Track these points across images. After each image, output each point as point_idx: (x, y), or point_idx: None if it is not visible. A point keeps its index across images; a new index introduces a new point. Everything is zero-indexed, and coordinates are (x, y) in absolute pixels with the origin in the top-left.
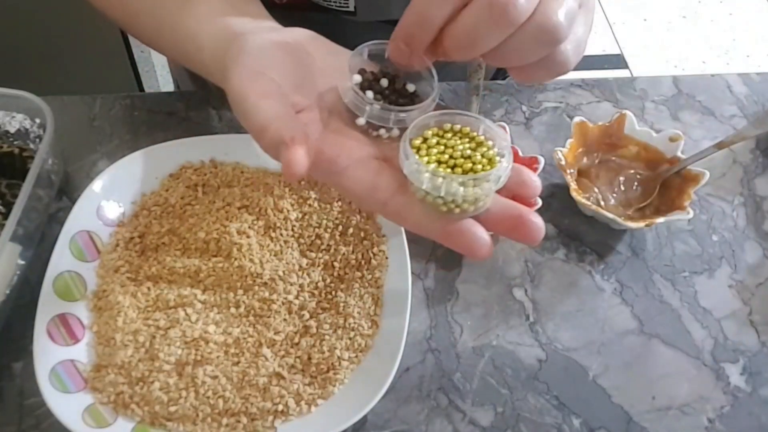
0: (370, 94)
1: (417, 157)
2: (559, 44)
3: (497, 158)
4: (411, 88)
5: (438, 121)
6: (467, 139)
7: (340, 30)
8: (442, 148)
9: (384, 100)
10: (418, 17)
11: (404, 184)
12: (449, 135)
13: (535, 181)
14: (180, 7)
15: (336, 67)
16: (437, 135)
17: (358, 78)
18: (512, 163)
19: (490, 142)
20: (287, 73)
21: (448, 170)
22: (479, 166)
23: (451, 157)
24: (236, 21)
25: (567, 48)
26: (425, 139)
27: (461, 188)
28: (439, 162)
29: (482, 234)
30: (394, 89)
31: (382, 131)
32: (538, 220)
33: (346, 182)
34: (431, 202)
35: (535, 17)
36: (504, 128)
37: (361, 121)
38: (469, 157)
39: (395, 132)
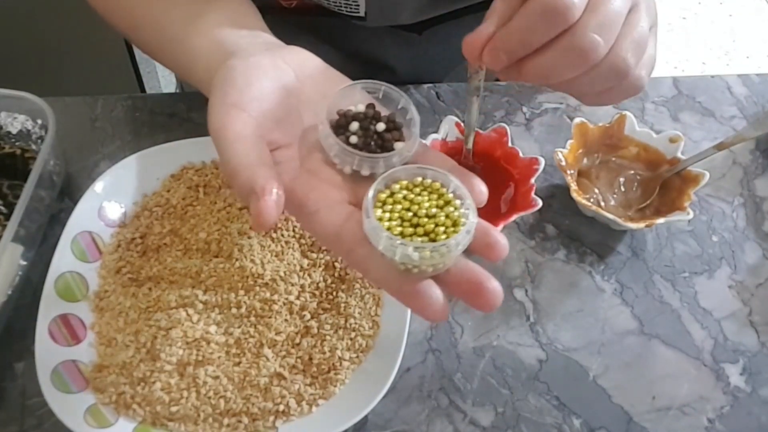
0: (354, 126)
1: (376, 215)
2: (627, 78)
3: (462, 220)
4: (392, 135)
5: (409, 174)
6: (436, 196)
7: (351, 35)
8: (408, 204)
9: (363, 140)
10: (520, 38)
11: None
12: (418, 189)
13: (502, 243)
14: (183, 22)
15: (325, 94)
16: (406, 188)
17: (330, 119)
18: (474, 227)
19: (458, 201)
20: (270, 107)
21: (410, 229)
22: (441, 228)
23: (415, 214)
24: (231, 38)
25: (639, 73)
26: (392, 193)
27: (416, 254)
28: (402, 219)
29: (438, 296)
30: (375, 131)
31: (362, 172)
32: (496, 286)
33: (314, 226)
34: (389, 260)
35: (609, 56)
36: (504, 130)
37: (337, 161)
38: (434, 215)
39: (366, 173)
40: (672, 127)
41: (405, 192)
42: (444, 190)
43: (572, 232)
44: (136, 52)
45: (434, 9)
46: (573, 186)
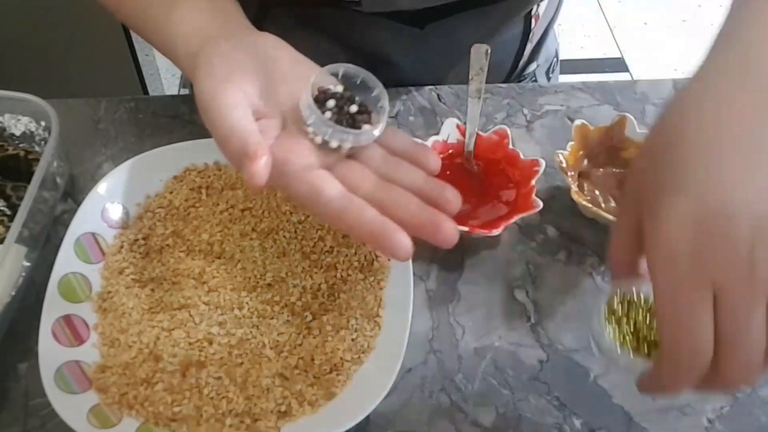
0: (331, 103)
1: (611, 335)
2: None
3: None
4: (362, 117)
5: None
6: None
7: (352, 28)
8: (626, 318)
9: (336, 117)
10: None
11: (343, 192)
12: (635, 307)
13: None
14: (163, 3)
15: (298, 75)
16: (621, 303)
17: (314, 92)
18: None
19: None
20: (253, 80)
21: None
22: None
23: (634, 323)
24: (210, 22)
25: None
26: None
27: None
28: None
29: (405, 238)
30: (348, 111)
31: (331, 143)
32: (452, 225)
33: (292, 183)
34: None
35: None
36: (505, 132)
37: (310, 130)
38: (650, 325)
39: (334, 144)
40: None
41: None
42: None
43: (573, 234)
44: (139, 54)
45: None
46: (574, 187)
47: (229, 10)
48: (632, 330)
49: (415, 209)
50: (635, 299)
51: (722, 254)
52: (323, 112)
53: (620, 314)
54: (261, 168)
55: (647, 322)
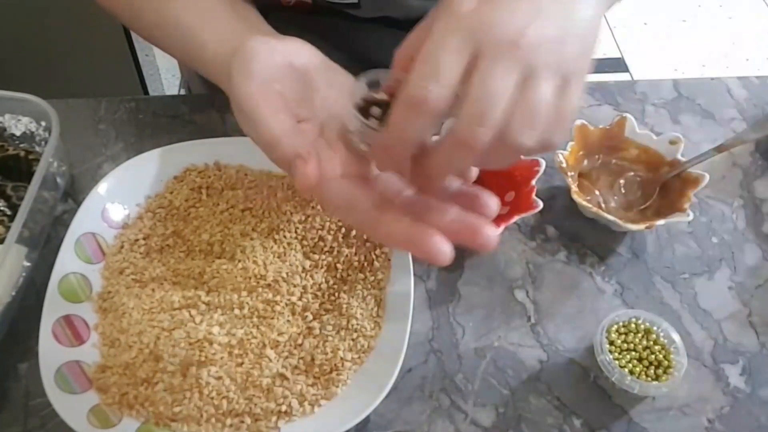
0: (375, 110)
1: (611, 356)
2: (528, 152)
3: (671, 350)
4: None
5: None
6: (641, 334)
7: (349, 34)
8: (626, 345)
9: (380, 124)
10: (397, 137)
11: (378, 201)
12: (632, 334)
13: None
14: (184, 6)
15: (330, 82)
16: (617, 332)
17: (358, 98)
18: (685, 362)
19: (663, 340)
20: (291, 86)
21: (638, 367)
22: (660, 355)
23: (633, 350)
24: (240, 24)
25: (548, 138)
26: (620, 334)
27: (652, 385)
28: (634, 358)
29: (443, 244)
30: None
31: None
32: (492, 228)
33: (328, 193)
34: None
35: (500, 140)
36: None
37: (354, 137)
38: (648, 347)
39: None
40: (672, 129)
41: (623, 336)
42: (653, 330)
43: (573, 234)
44: (139, 54)
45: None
46: (574, 188)
47: (255, 22)
48: (637, 357)
49: (453, 215)
50: (632, 327)
51: (488, 21)
52: (367, 119)
53: (620, 343)
54: (313, 170)
55: (647, 346)
